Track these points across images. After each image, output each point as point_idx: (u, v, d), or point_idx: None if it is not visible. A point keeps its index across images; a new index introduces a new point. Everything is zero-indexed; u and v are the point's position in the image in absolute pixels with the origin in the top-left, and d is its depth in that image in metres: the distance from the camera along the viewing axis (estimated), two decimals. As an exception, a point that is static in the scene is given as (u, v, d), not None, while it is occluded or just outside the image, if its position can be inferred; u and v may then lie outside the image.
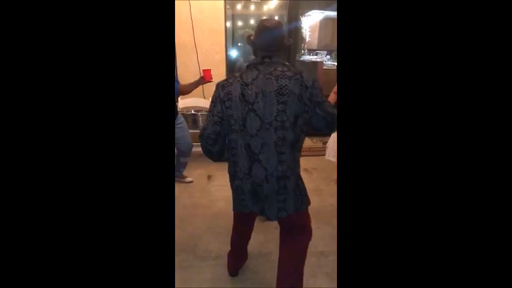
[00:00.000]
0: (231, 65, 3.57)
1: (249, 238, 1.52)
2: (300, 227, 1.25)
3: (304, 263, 1.28)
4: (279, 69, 1.07)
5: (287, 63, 1.14)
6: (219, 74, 3.24)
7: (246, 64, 1.17)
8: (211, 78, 2.18)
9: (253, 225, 1.46)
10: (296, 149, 1.11)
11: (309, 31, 3.73)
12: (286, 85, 1.04)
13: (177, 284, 1.46)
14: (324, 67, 3.71)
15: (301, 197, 1.16)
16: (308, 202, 1.21)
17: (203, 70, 2.17)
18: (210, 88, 2.67)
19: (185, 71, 3.05)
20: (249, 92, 1.07)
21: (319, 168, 2.87)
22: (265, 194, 1.11)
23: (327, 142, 3.36)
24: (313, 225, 2.00)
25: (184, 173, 2.55)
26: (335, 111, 1.10)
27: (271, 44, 1.10)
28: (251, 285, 1.45)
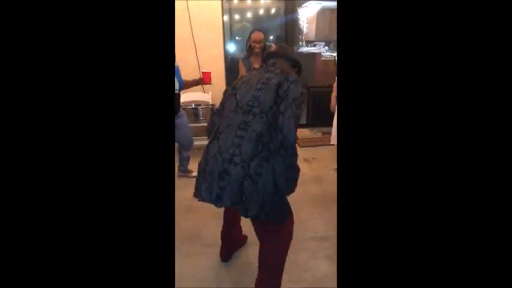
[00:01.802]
0: (230, 60, 3.59)
1: (236, 225, 1.58)
2: (267, 232, 1.17)
3: (279, 268, 1.21)
4: (275, 70, 1.14)
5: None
6: (218, 69, 3.27)
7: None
8: (211, 81, 2.25)
9: (234, 211, 1.44)
10: (265, 147, 1.00)
11: (307, 22, 3.74)
12: (269, 77, 1.10)
13: (183, 270, 1.53)
14: (322, 58, 3.73)
15: (253, 203, 1.00)
16: (280, 221, 1.09)
17: (202, 72, 2.21)
18: (211, 82, 2.70)
19: (184, 66, 3.08)
20: (241, 82, 1.18)
21: (319, 158, 2.92)
22: (209, 170, 1.07)
23: (326, 133, 3.39)
24: (314, 211, 2.08)
25: (189, 167, 2.61)
26: (293, 135, 0.98)
27: (277, 55, 1.27)
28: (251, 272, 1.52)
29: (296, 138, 1.03)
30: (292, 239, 1.21)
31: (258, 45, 2.29)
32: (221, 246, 1.58)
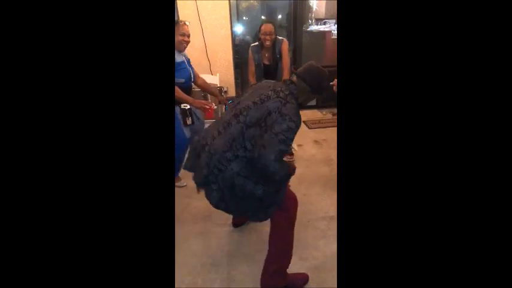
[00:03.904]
0: (237, 43, 3.52)
1: None
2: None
3: (285, 251, 1.26)
4: (284, 92, 1.14)
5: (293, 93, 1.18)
6: (225, 49, 3.22)
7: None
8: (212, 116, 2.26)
9: None
10: (232, 150, 1.07)
11: (316, 0, 3.60)
12: (269, 96, 1.12)
13: (196, 248, 1.58)
14: (333, 37, 3.62)
15: (214, 191, 1.12)
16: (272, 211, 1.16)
17: (205, 111, 2.10)
18: (218, 64, 2.67)
19: (191, 48, 3.03)
20: (256, 85, 1.27)
21: (329, 139, 2.89)
22: (192, 148, 1.23)
23: (336, 114, 3.35)
24: (324, 192, 2.09)
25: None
26: (273, 165, 1.00)
27: (302, 77, 1.23)
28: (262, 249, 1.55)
29: (277, 169, 1.01)
30: (293, 223, 1.24)
31: (268, 38, 2.25)
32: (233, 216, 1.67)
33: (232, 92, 3.36)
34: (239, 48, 3.59)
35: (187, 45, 1.98)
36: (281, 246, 1.25)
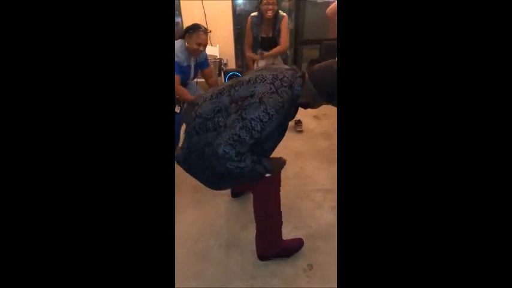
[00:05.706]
0: (238, 13, 3.39)
1: None
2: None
3: (270, 214, 1.25)
4: (283, 84, 1.03)
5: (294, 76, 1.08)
6: (226, 21, 3.11)
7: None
8: None
9: None
10: (214, 120, 1.06)
11: (321, -34, 3.41)
12: (265, 78, 1.04)
13: (195, 217, 1.64)
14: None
15: (183, 149, 1.14)
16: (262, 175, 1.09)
17: None
18: (218, 35, 2.58)
19: (190, 19, 2.94)
20: (265, 66, 1.24)
21: (328, 114, 2.89)
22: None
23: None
24: (321, 165, 2.13)
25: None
26: (222, 150, 0.93)
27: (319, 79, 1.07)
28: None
29: (227, 156, 0.93)
30: (276, 188, 1.23)
31: (270, 7, 2.10)
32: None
33: (232, 65, 3.31)
34: (240, 18, 3.47)
35: (201, 53, 1.90)
36: (265, 212, 1.24)
